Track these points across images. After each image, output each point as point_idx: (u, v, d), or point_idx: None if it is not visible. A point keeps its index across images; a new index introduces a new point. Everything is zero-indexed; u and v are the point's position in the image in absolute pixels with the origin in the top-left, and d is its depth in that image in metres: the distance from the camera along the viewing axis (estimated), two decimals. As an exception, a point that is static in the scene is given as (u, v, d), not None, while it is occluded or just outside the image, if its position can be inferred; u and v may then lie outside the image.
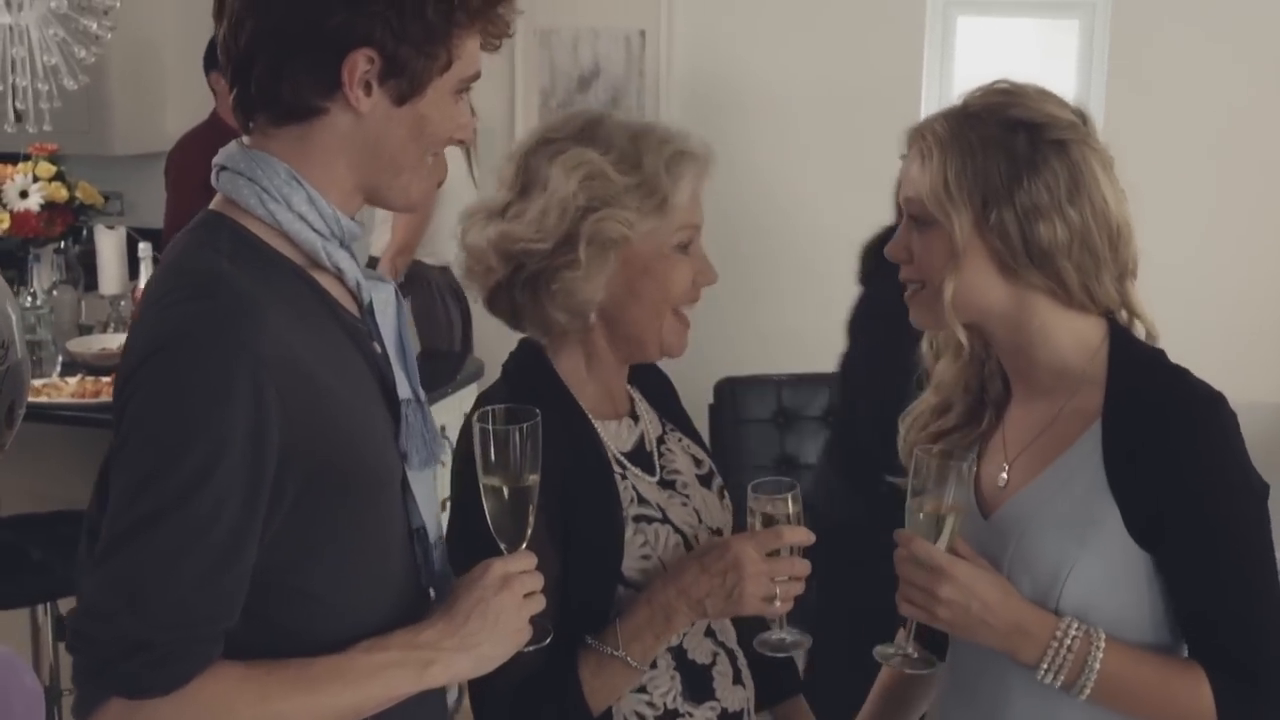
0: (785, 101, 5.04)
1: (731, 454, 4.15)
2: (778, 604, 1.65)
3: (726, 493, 1.92)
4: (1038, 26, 5.12)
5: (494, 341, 5.11)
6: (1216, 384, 1.61)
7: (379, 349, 1.47)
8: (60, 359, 3.81)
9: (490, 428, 1.53)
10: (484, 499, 1.53)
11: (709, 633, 1.82)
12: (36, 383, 3.58)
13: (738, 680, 1.84)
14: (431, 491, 1.52)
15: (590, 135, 1.72)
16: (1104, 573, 1.58)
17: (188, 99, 5.39)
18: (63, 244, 4.21)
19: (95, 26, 4.10)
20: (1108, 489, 1.58)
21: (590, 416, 1.78)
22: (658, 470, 1.83)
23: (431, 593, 1.52)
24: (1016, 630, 1.58)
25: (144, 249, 4.01)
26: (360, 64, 1.36)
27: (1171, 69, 4.74)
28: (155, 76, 5.74)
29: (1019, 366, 1.70)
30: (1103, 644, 1.56)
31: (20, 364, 1.89)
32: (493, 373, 4.45)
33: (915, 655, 1.71)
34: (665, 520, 1.77)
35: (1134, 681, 1.58)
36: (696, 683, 1.79)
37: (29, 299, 3.82)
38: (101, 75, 5.18)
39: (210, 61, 5.04)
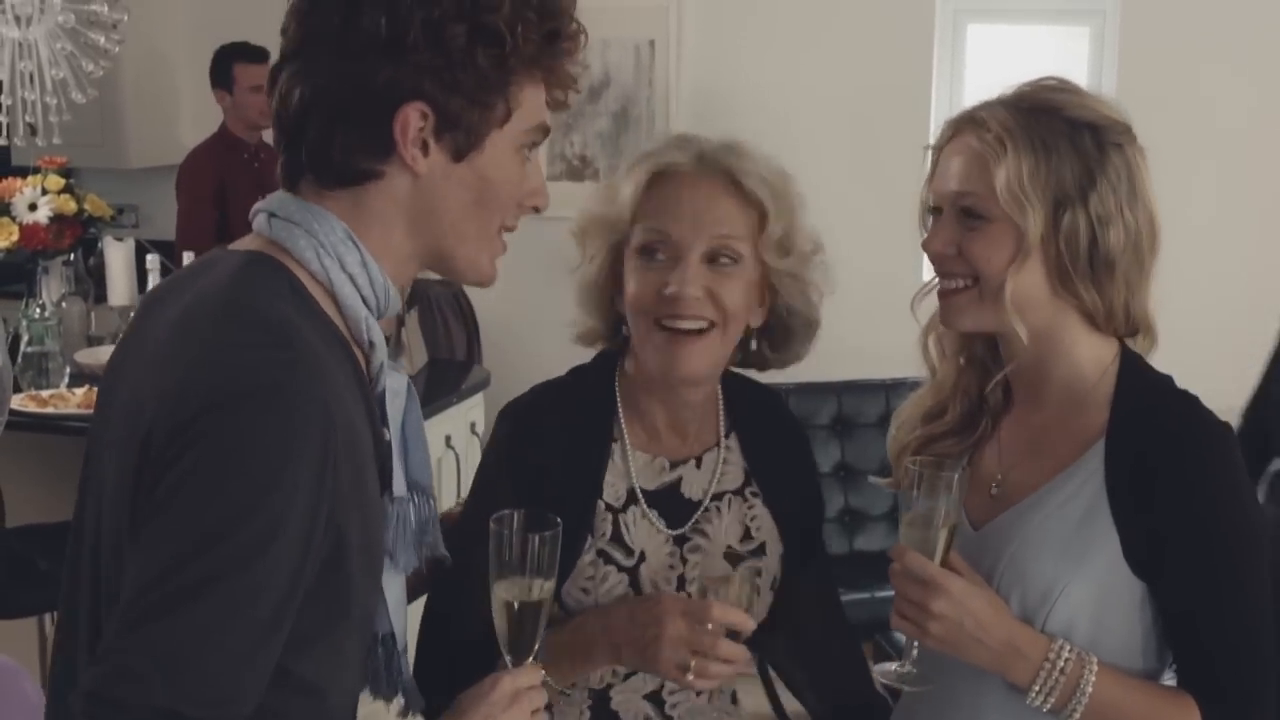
0: (796, 110, 5.03)
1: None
2: (690, 676, 1.58)
3: (757, 578, 1.77)
4: (1048, 34, 5.10)
5: (500, 353, 5.14)
6: (1216, 391, 1.60)
7: (387, 435, 1.38)
8: (68, 370, 3.82)
9: (506, 533, 1.46)
10: (492, 605, 1.48)
11: (652, 697, 1.77)
12: (44, 393, 3.59)
13: None
14: (402, 596, 1.45)
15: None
16: (1094, 596, 1.55)
17: (200, 111, 5.43)
18: (71, 256, 4.22)
19: (103, 40, 4.12)
20: (1109, 514, 1.55)
21: (625, 439, 1.75)
22: (687, 523, 1.76)
23: (400, 700, 1.46)
24: (1010, 649, 1.54)
25: (152, 260, 4.02)
26: (413, 120, 1.29)
27: (1181, 77, 4.72)
28: (167, 89, 5.77)
29: (1030, 379, 1.65)
30: (1095, 668, 1.53)
31: (1, 370, 1.88)
32: (499, 383, 4.48)
33: (916, 673, 1.64)
34: (628, 571, 1.72)
35: (1124, 708, 1.55)
36: None
37: (37, 310, 3.83)
38: (113, 88, 5.22)
39: (216, 77, 5.08)
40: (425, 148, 1.30)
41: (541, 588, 1.47)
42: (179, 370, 1.22)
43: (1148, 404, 1.58)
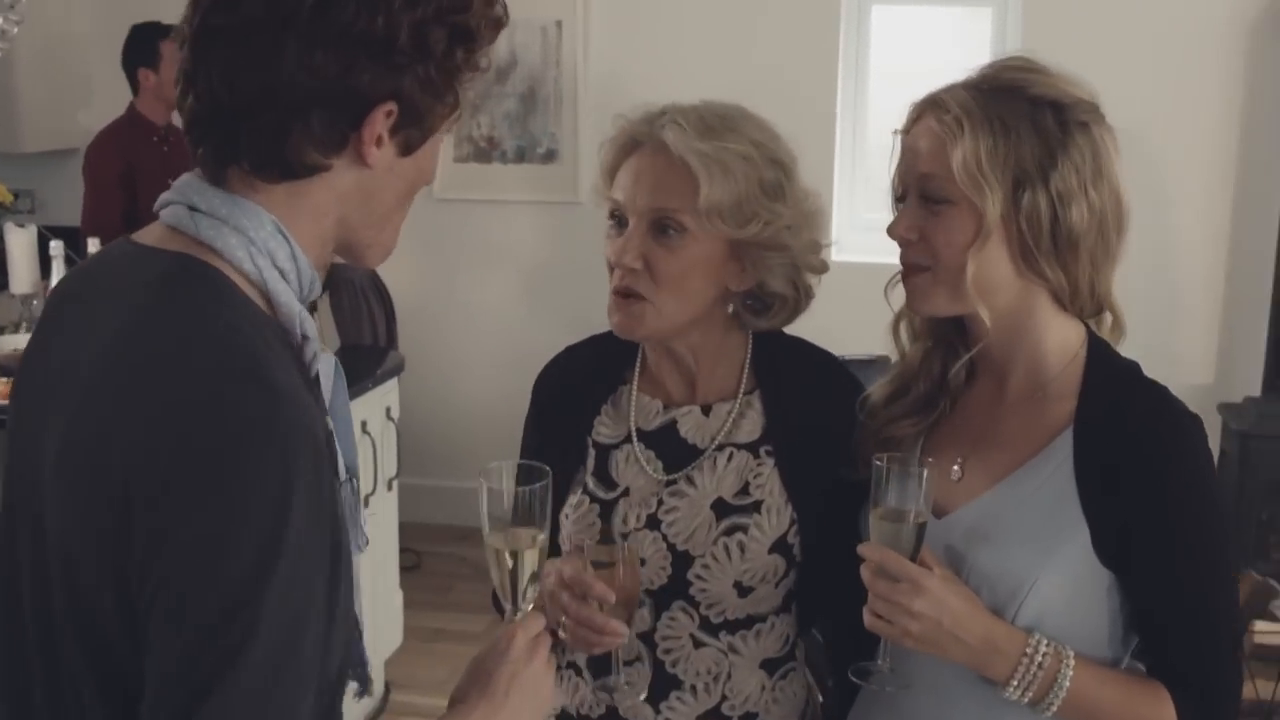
0: (702, 92, 5.03)
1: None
2: (561, 633, 1.64)
3: (738, 534, 1.75)
4: (951, 15, 5.17)
5: (415, 336, 5.11)
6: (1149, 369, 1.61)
7: (330, 425, 1.32)
8: (-30, 359, 3.73)
9: (494, 486, 1.48)
10: (487, 558, 1.50)
11: (644, 638, 1.79)
12: (-55, 385, 3.51)
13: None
14: (357, 576, 1.39)
15: None
16: (1064, 588, 1.54)
17: (106, 94, 5.29)
18: (-32, 243, 4.12)
19: (1, 21, 4.02)
20: (1078, 505, 1.54)
21: (634, 382, 1.85)
22: (684, 469, 1.78)
23: (355, 685, 1.41)
24: (988, 646, 1.52)
25: (55, 247, 3.93)
26: (380, 119, 1.24)
27: (1083, 60, 4.78)
28: (69, 72, 5.63)
29: (995, 362, 1.64)
30: (1072, 661, 1.52)
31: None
32: (413, 367, 4.44)
33: (893, 672, 1.61)
34: (603, 503, 1.79)
35: (1100, 699, 1.54)
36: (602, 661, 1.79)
37: (-64, 299, 3.73)
38: (9, 70, 5.09)
39: (140, 55, 4.95)
40: (380, 141, 1.25)
41: (534, 538, 1.49)
42: (149, 411, 1.12)
43: (1116, 394, 1.57)
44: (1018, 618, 1.54)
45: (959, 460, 1.63)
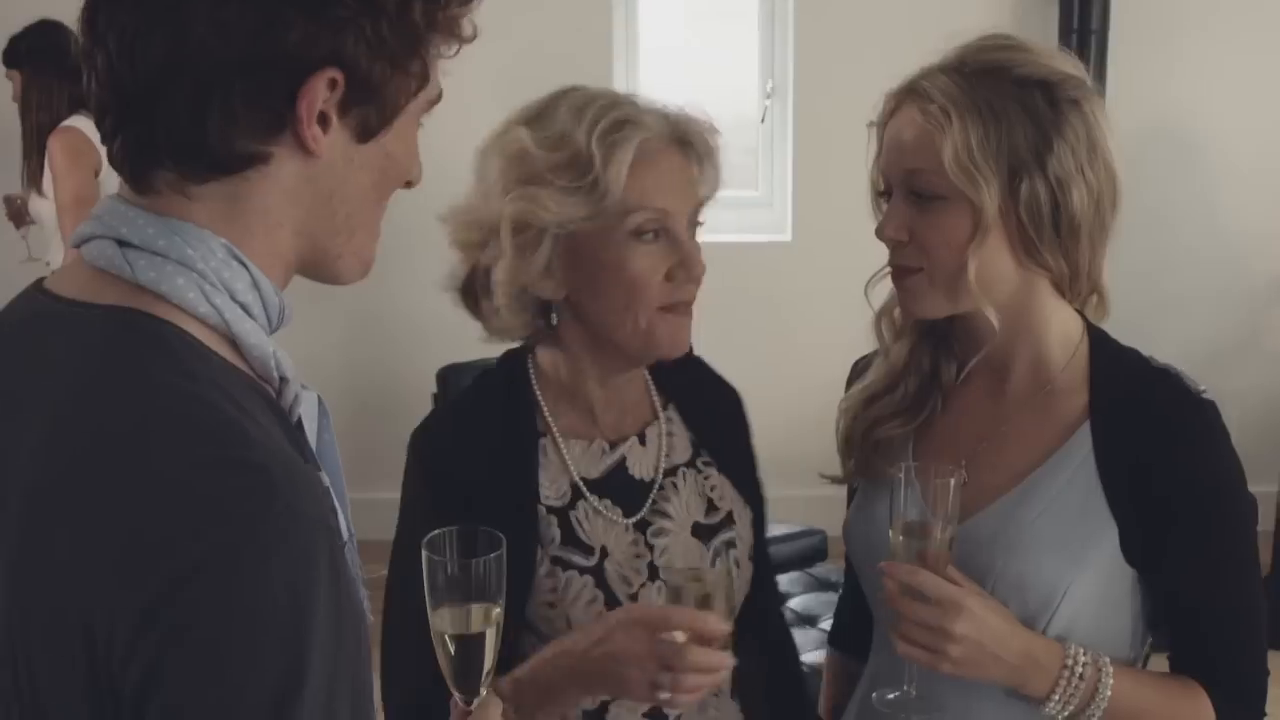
0: (479, 75, 4.98)
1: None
2: (664, 695, 1.40)
3: (732, 550, 1.67)
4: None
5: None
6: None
7: (325, 481, 1.09)
8: None
9: (439, 559, 1.30)
10: (433, 639, 1.33)
11: (653, 713, 1.59)
12: None
13: None
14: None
15: (541, 114, 1.54)
16: (1094, 593, 1.49)
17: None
18: None
19: None
20: (1105, 504, 1.48)
21: (553, 431, 1.61)
22: (643, 507, 1.63)
23: None
24: (1029, 662, 1.44)
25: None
26: (321, 91, 1.00)
27: (854, 37, 4.86)
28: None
29: (995, 357, 1.55)
30: (1110, 668, 1.46)
31: None
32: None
33: (920, 699, 1.50)
34: (591, 571, 1.57)
35: (1139, 702, 1.49)
36: None
37: None
38: None
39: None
40: (326, 123, 1.02)
41: (488, 614, 1.32)
42: (117, 522, 0.90)
43: (1129, 383, 1.52)
44: (1049, 628, 1.47)
45: (962, 463, 1.50)
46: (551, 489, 1.60)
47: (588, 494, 1.60)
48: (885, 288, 1.58)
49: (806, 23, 4.97)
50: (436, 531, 1.32)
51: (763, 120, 5.14)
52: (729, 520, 1.67)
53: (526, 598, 1.54)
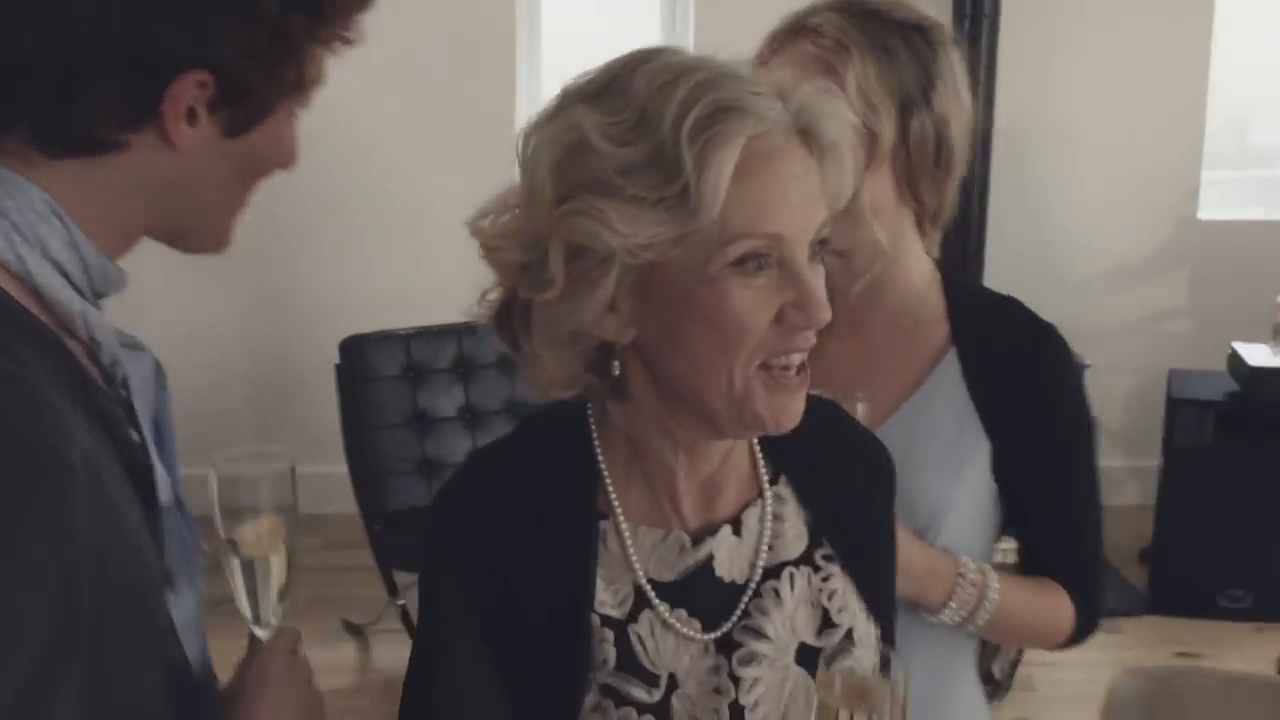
0: (383, 57, 5.00)
1: (362, 414, 4.13)
2: None
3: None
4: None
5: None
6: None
7: (136, 437, 1.09)
8: None
9: (229, 474, 1.24)
10: (224, 563, 1.26)
11: None
12: None
13: None
14: (192, 618, 1.16)
15: (611, 88, 1.13)
16: (970, 507, 1.59)
17: None
18: None
19: None
20: (979, 424, 1.57)
21: (617, 514, 1.23)
22: (730, 621, 1.24)
23: None
24: (930, 574, 1.54)
25: None
26: (189, 89, 1.02)
27: (756, 9, 4.93)
28: None
29: (866, 294, 1.59)
30: (995, 576, 1.57)
31: None
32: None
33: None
34: (655, 710, 1.20)
35: (1018, 605, 1.59)
36: None
37: None
38: None
39: None
40: (193, 118, 1.04)
41: (279, 532, 1.27)
42: None
43: (983, 314, 1.62)
44: (936, 542, 1.57)
45: (837, 397, 1.59)
46: (609, 594, 1.22)
47: (656, 601, 1.22)
48: None
49: (706, 7, 5.04)
50: (227, 450, 1.26)
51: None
52: (847, 642, 1.28)
53: None
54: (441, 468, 4.17)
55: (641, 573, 1.22)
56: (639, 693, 1.20)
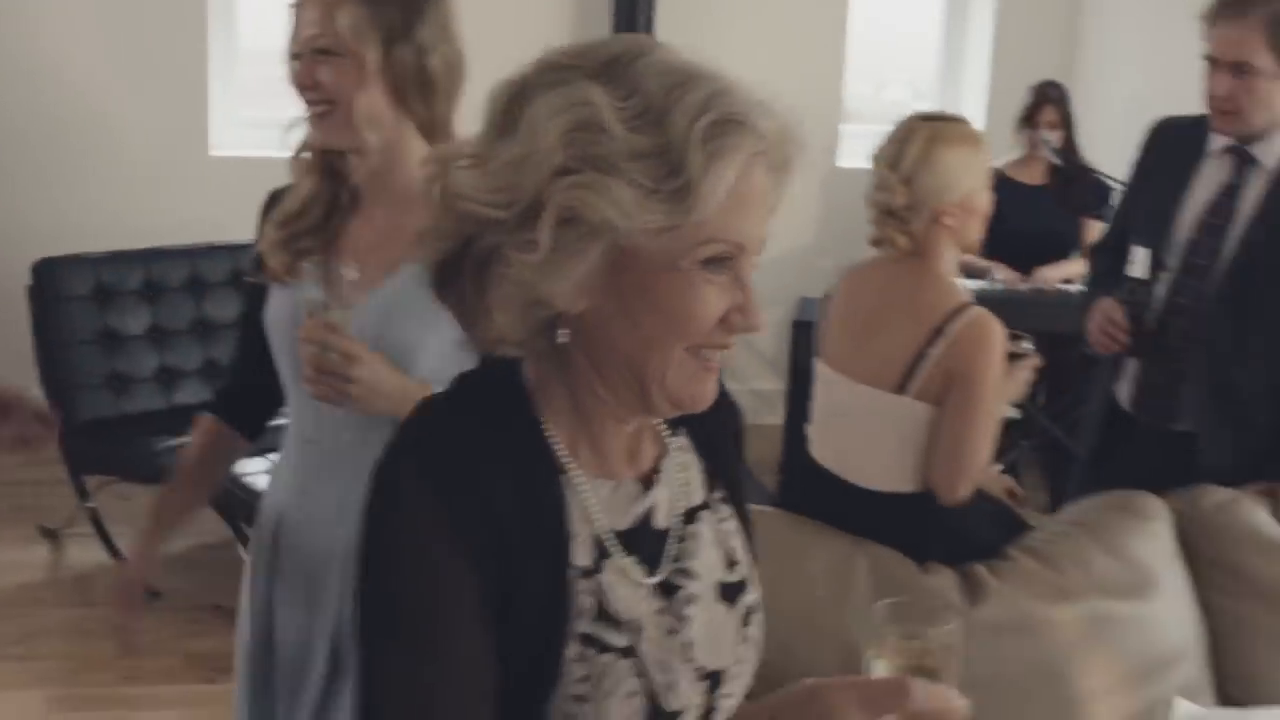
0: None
1: (54, 333, 4.38)
2: None
3: (755, 617, 1.35)
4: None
5: None
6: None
7: None
8: None
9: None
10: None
11: None
12: None
13: None
14: None
15: (613, 73, 1.16)
16: (440, 346, 1.98)
17: None
18: None
19: None
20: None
21: (569, 469, 1.25)
22: (664, 564, 1.28)
23: None
24: (404, 396, 1.88)
25: None
26: None
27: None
28: None
29: (376, 185, 2.04)
30: None
31: None
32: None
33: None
34: (628, 653, 1.23)
35: None
36: None
37: None
38: None
39: None
40: None
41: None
42: None
43: None
44: (410, 371, 2.00)
45: (355, 265, 2.04)
46: (577, 545, 1.23)
47: (614, 551, 1.25)
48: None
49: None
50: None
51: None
52: (747, 579, 1.36)
53: (550, 691, 1.20)
54: (130, 382, 4.51)
55: (599, 523, 1.24)
56: (614, 638, 1.22)
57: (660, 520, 1.29)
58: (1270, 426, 2.89)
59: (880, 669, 1.11)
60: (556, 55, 1.19)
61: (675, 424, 1.34)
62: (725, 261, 1.17)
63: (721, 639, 1.30)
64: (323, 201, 2.10)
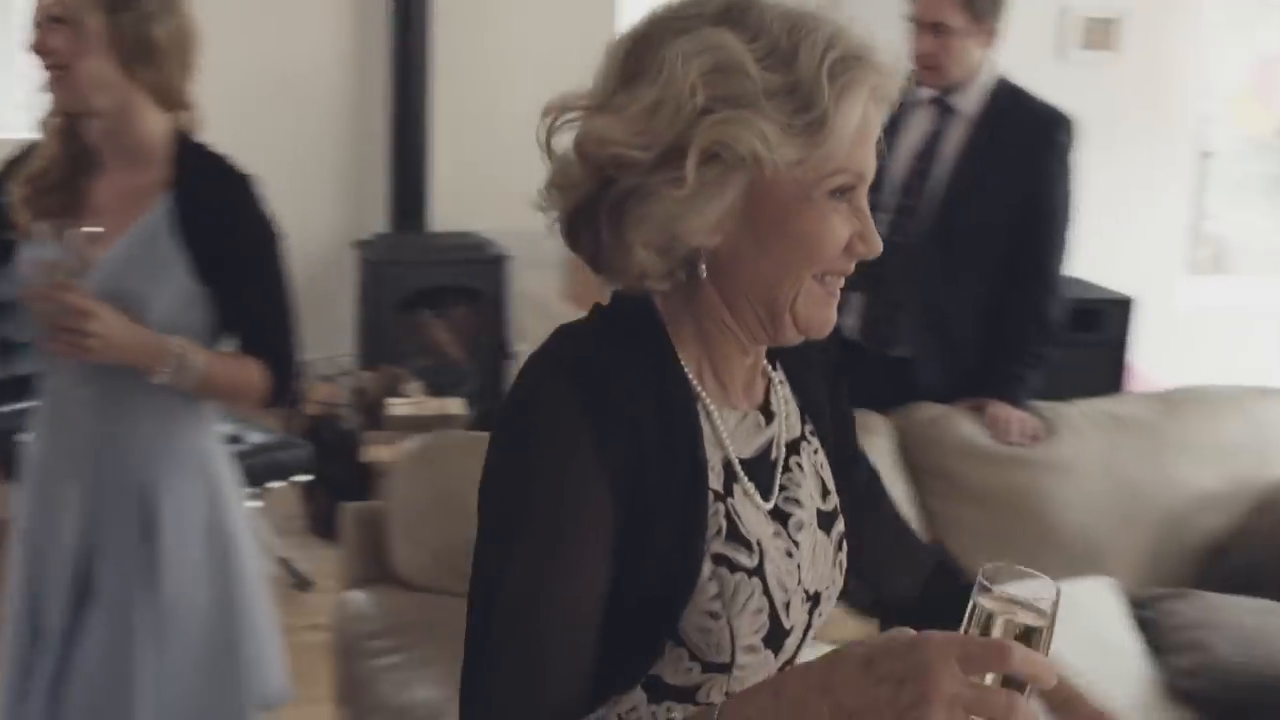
0: None
1: None
2: None
3: (847, 542, 1.41)
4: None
5: None
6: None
7: None
8: None
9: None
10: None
11: None
12: None
13: None
14: None
15: (734, 17, 1.21)
16: (170, 302, 2.14)
17: None
18: None
19: None
20: (176, 241, 2.14)
21: (704, 399, 1.29)
22: (775, 493, 1.34)
23: None
24: (144, 348, 2.07)
25: None
26: None
27: None
28: None
29: (111, 145, 2.17)
30: (189, 347, 2.12)
31: None
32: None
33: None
34: (757, 573, 1.27)
35: (220, 371, 2.18)
36: None
37: None
38: None
39: None
40: None
41: None
42: None
43: (201, 167, 2.20)
44: (144, 321, 2.12)
45: (97, 222, 2.12)
46: (711, 470, 1.28)
47: (743, 477, 1.30)
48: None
49: None
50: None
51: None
52: (839, 510, 1.42)
53: (684, 607, 1.23)
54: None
55: (731, 449, 1.30)
56: (743, 559, 1.26)
57: (773, 450, 1.35)
58: (977, 349, 3.19)
59: (984, 629, 1.10)
60: (673, 7, 1.23)
61: (772, 359, 1.39)
62: (848, 191, 1.22)
63: (821, 563, 1.36)
64: (63, 162, 2.22)
